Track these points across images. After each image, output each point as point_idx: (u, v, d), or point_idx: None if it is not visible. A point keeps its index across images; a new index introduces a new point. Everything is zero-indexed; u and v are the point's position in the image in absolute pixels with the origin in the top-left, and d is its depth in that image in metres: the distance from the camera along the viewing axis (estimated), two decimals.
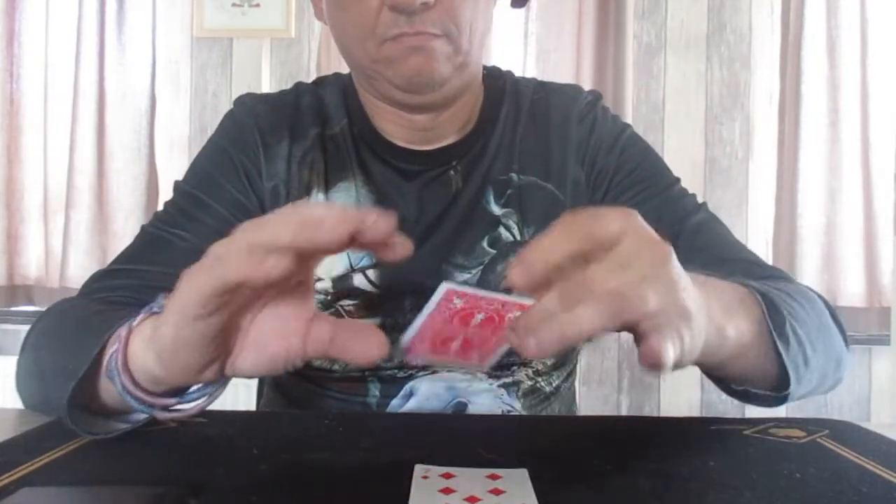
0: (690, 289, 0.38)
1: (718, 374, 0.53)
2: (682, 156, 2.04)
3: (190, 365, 0.39)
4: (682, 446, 0.49)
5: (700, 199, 0.75)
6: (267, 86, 2.06)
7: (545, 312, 0.35)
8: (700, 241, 0.70)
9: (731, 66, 2.06)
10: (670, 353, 0.35)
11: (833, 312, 0.62)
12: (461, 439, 0.50)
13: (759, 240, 2.04)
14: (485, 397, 0.72)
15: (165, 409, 0.42)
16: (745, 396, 0.55)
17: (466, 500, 0.36)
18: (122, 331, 0.42)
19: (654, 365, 0.35)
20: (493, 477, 0.40)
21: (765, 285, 0.54)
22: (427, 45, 0.62)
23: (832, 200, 1.97)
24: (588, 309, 0.34)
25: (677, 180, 0.76)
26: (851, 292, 1.96)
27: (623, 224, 0.35)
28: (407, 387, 0.71)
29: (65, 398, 0.44)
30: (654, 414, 2.02)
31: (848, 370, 0.62)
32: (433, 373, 0.72)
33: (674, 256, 0.37)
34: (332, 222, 0.33)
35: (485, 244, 0.72)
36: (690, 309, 0.37)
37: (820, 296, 0.63)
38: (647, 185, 0.74)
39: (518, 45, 2.07)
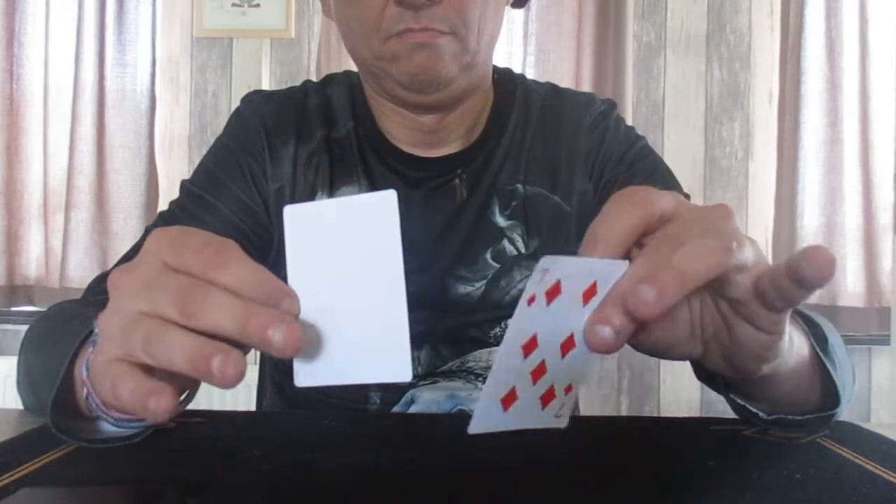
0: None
1: (773, 390, 0.48)
2: (682, 156, 2.04)
3: None
4: (682, 446, 0.49)
5: (702, 202, 0.74)
6: (266, 86, 2.05)
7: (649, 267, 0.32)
8: None
9: (731, 66, 2.06)
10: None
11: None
12: (461, 439, 0.50)
13: (759, 240, 2.04)
14: None
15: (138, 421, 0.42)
16: (778, 424, 0.52)
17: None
18: (90, 356, 0.40)
19: (827, 263, 0.31)
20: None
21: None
22: (433, 42, 0.61)
23: (832, 200, 1.97)
24: (699, 245, 0.31)
25: (687, 197, 0.74)
26: (851, 292, 1.96)
27: (677, 200, 0.35)
28: (408, 395, 0.71)
29: (48, 404, 0.43)
30: (654, 414, 2.01)
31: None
32: (434, 381, 0.71)
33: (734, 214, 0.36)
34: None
35: (488, 257, 0.71)
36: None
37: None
38: None
39: (518, 45, 2.06)
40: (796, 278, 0.32)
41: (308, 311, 0.35)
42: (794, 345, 0.43)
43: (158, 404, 0.32)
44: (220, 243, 0.35)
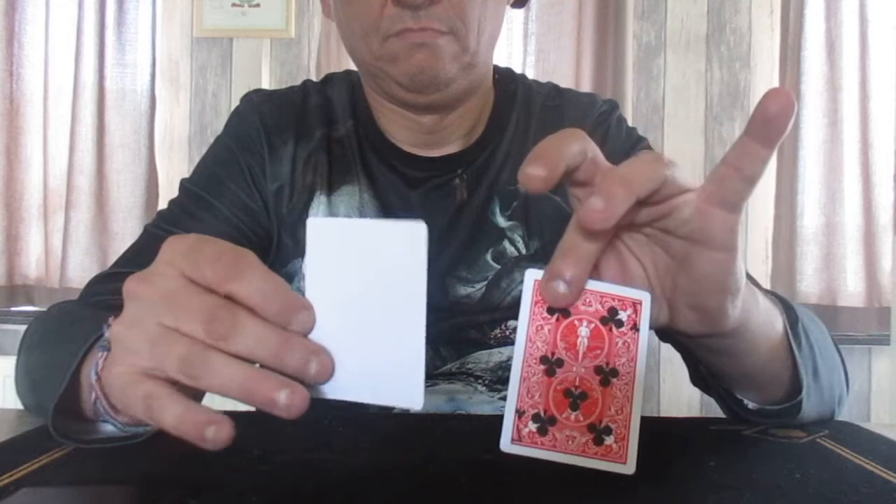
0: None
1: (742, 369, 0.49)
2: (682, 156, 2.04)
3: None
4: (681, 446, 0.49)
5: None
6: (267, 86, 2.05)
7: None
8: None
9: (731, 66, 2.06)
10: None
11: (835, 341, 0.59)
12: (461, 439, 0.50)
13: (759, 240, 2.04)
14: (485, 409, 0.71)
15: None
16: (760, 415, 0.53)
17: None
18: (100, 360, 0.39)
19: (785, 104, 0.32)
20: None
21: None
22: (432, 42, 0.60)
23: (832, 200, 1.97)
24: (637, 159, 0.33)
25: None
26: (851, 292, 1.96)
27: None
28: None
29: (50, 407, 0.43)
30: (654, 414, 2.01)
31: (844, 409, 0.59)
32: (434, 384, 0.71)
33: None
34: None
35: (489, 258, 0.71)
36: None
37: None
38: None
39: (518, 45, 2.06)
40: (762, 118, 0.33)
41: (323, 326, 0.34)
42: (759, 303, 0.44)
43: (218, 435, 0.32)
44: (236, 253, 0.34)
